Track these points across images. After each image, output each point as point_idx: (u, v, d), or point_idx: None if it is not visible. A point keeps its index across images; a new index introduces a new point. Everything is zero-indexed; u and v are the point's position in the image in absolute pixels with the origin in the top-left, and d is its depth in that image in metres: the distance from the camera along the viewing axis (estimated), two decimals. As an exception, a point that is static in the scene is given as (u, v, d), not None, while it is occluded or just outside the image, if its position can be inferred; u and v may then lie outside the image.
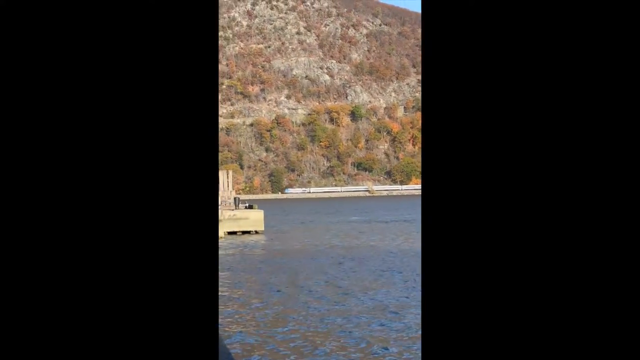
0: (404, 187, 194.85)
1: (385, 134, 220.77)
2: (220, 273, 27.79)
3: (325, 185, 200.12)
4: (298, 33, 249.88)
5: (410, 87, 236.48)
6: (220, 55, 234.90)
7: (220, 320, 17.08)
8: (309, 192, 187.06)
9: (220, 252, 36.32)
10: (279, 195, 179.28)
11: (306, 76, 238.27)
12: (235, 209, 47.23)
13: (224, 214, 44.38)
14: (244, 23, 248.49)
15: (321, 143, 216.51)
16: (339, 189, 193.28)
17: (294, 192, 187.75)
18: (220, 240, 41.71)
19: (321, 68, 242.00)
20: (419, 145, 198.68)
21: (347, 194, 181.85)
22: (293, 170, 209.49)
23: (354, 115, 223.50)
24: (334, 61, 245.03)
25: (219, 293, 22.11)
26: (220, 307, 19.43)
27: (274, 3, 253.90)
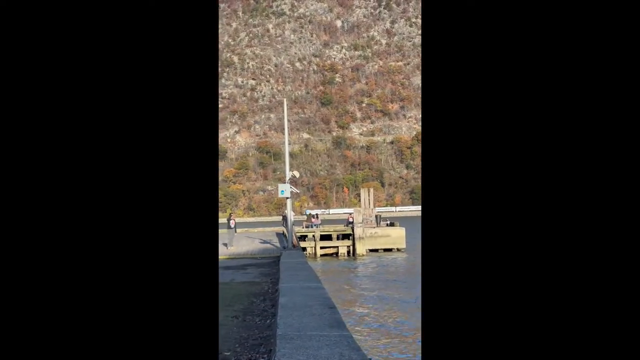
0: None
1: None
2: (367, 286, 27.59)
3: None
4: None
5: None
6: (359, 74, 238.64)
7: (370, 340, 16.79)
8: (328, 214, 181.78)
9: (362, 268, 36.24)
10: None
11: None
12: (377, 226, 46.95)
13: (365, 231, 44.25)
14: (383, 42, 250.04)
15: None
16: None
17: (313, 213, 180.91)
18: (361, 258, 41.60)
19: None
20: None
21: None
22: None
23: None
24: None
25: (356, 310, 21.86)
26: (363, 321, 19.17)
27: (413, 20, 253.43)
